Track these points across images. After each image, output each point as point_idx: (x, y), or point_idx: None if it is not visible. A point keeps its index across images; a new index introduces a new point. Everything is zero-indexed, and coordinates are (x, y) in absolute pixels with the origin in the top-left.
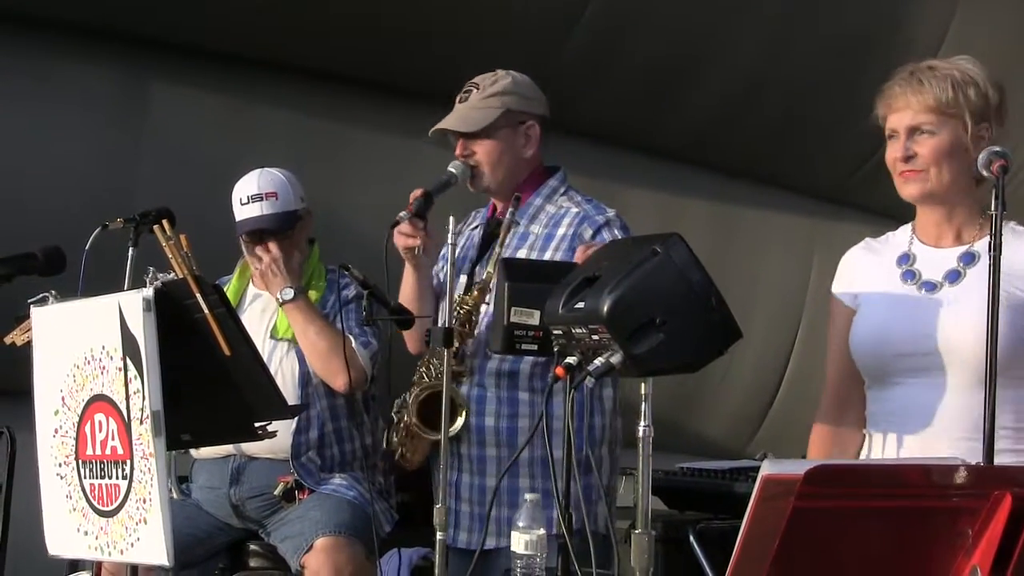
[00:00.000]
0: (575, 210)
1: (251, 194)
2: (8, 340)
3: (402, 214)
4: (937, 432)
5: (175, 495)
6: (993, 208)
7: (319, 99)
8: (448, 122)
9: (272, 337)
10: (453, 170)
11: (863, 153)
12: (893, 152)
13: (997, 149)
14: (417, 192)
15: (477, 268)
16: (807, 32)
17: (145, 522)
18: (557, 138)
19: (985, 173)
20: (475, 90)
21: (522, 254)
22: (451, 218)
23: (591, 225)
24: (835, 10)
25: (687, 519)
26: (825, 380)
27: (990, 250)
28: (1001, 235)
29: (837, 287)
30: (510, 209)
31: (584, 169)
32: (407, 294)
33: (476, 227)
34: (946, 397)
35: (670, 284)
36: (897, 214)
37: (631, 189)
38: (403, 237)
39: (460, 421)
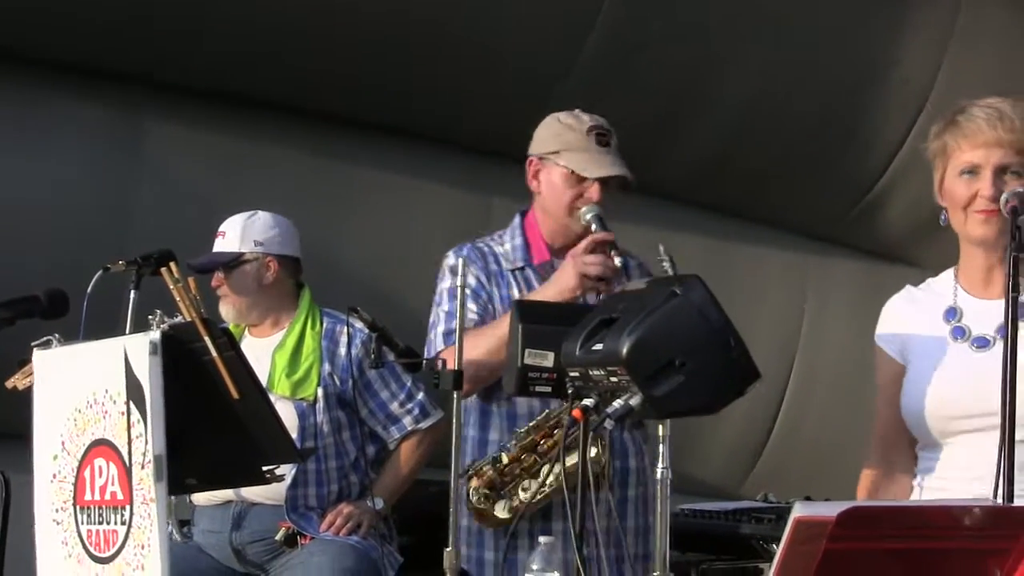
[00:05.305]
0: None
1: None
2: (10, 384)
3: (618, 260)
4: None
5: (177, 538)
6: (1008, 249)
7: (314, 138)
8: (620, 169)
9: (268, 390)
10: (597, 214)
11: (857, 192)
12: (975, 188)
13: (1019, 190)
14: (610, 236)
15: None
16: (802, 71)
17: (143, 568)
18: None
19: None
20: (613, 136)
21: None
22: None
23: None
24: (829, 50)
25: (690, 560)
26: (873, 424)
27: (1007, 291)
28: (1019, 277)
29: (881, 335)
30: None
31: None
32: None
33: (521, 267)
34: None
35: (690, 325)
36: (889, 254)
37: (624, 227)
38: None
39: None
